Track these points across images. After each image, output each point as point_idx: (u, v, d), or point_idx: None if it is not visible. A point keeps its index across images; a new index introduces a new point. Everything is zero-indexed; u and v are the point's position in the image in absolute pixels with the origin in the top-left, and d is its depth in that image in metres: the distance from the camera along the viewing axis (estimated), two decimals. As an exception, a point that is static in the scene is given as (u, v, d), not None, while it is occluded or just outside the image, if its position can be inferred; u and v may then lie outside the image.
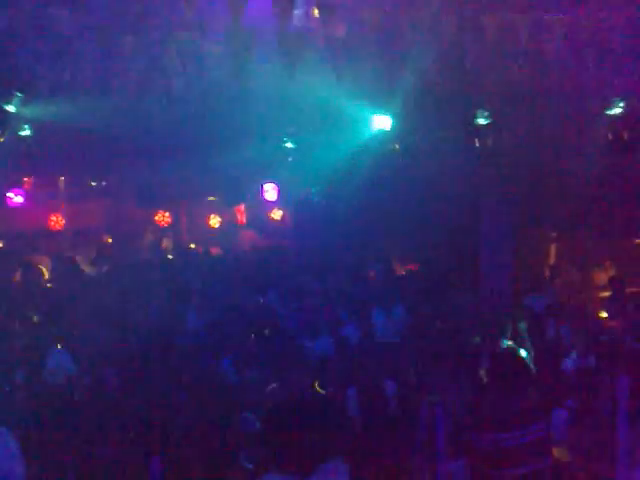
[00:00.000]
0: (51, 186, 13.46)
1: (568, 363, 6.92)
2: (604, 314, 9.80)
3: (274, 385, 6.03)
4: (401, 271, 11.85)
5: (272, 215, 15.18)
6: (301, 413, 3.19)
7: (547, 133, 10.01)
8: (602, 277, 11.50)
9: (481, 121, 9.67)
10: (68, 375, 6.83)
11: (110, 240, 14.37)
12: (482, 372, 6.15)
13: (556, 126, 9.94)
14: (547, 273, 11.83)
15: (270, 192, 14.39)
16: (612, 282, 10.48)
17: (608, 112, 10.14)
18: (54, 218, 13.99)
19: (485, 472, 3.69)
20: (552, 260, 12.45)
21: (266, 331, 7.92)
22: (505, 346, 6.77)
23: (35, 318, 8.55)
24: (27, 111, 9.73)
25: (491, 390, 3.77)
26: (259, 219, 15.45)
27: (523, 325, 6.98)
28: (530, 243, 11.59)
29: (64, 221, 13.97)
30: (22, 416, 5.36)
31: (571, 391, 5.57)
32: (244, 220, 15.86)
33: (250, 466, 4.68)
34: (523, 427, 3.64)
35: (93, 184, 13.84)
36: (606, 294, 10.68)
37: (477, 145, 9.90)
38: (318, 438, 3.09)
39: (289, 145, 12.50)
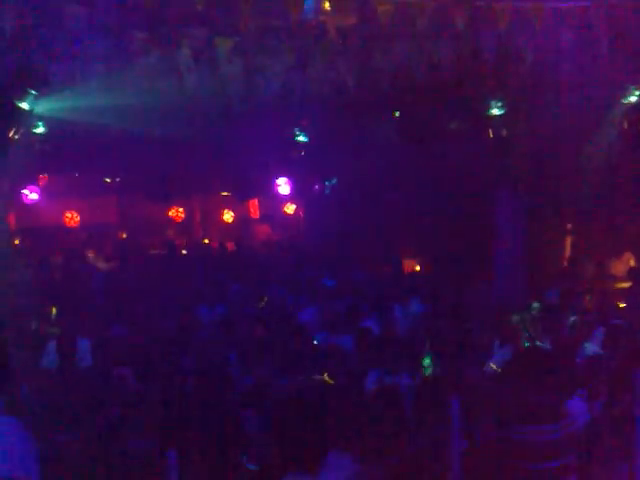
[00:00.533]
0: (66, 183, 13.54)
1: (584, 353, 6.86)
2: (622, 305, 9.70)
3: (282, 381, 6.02)
4: (415, 266, 11.81)
5: (285, 209, 15.18)
6: (306, 407, 3.14)
7: (562, 123, 9.91)
8: (620, 268, 11.39)
9: (495, 111, 9.58)
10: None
11: (125, 236, 14.46)
12: (494, 366, 6.12)
13: (571, 116, 9.84)
14: (563, 265, 11.74)
15: (283, 186, 14.39)
16: (632, 273, 10.37)
17: (623, 101, 10.04)
18: (69, 215, 14.09)
19: (513, 466, 3.66)
20: (568, 252, 12.35)
21: (274, 326, 7.93)
22: (530, 341, 6.73)
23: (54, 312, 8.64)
24: (40, 109, 9.77)
25: (520, 385, 3.74)
26: (273, 213, 15.47)
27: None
28: (545, 235, 11.49)
29: (79, 218, 14.07)
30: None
31: (585, 381, 5.51)
32: (257, 214, 15.88)
33: (253, 467, 4.66)
34: (554, 421, 3.62)
35: (107, 180, 13.90)
36: (625, 285, 10.59)
37: (491, 136, 9.83)
38: (323, 433, 3.06)
39: (301, 139, 12.47)
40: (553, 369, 3.76)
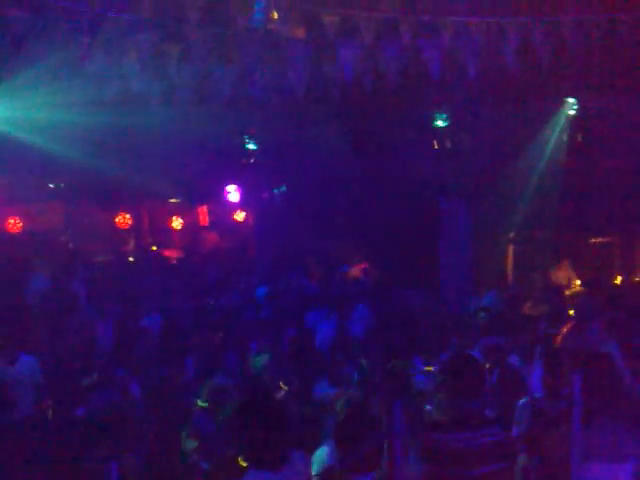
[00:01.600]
0: (8, 188, 13.21)
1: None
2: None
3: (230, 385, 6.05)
4: (362, 272, 11.94)
5: (235, 216, 15.14)
6: (265, 410, 3.27)
7: (504, 133, 10.19)
8: (561, 277, 11.72)
9: (440, 123, 9.80)
10: None
11: (70, 243, 14.17)
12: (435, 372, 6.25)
13: (513, 126, 10.12)
14: (507, 272, 12.04)
15: (233, 193, 14.36)
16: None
17: (565, 112, 10.38)
18: (12, 221, 13.74)
19: (439, 473, 3.73)
20: (510, 260, 12.67)
21: (220, 334, 7.96)
22: (458, 347, 6.88)
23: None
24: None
25: (443, 390, 3.82)
26: (222, 221, 15.40)
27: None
28: (489, 243, 11.77)
29: (22, 223, 13.73)
30: None
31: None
32: (207, 222, 15.79)
33: (206, 466, 4.69)
34: (474, 429, 3.69)
35: (51, 186, 13.62)
36: (566, 293, 10.91)
37: (436, 147, 10.04)
38: (282, 431, 3.18)
39: (251, 147, 12.49)
40: (475, 376, 3.84)
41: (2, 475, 5.67)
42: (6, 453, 5.94)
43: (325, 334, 8.40)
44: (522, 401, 5.16)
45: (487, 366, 6.80)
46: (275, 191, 13.93)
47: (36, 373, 6.73)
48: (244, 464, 3.23)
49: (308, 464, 3.41)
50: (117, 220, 14.66)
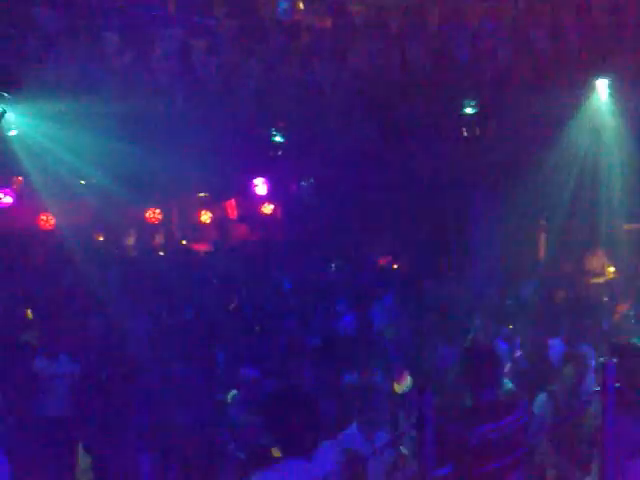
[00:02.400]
0: (40, 185, 13.41)
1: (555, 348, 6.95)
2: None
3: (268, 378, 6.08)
4: (391, 263, 11.91)
5: (263, 209, 15.17)
6: (297, 399, 3.33)
7: (535, 122, 10.04)
8: (594, 264, 11.56)
9: (468, 110, 9.68)
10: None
11: (102, 238, 14.35)
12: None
13: (544, 112, 9.97)
14: (539, 261, 11.89)
15: (260, 186, 14.38)
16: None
17: (596, 97, 10.17)
18: (44, 217, 13.94)
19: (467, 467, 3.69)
20: (542, 248, 12.51)
21: (257, 327, 7.98)
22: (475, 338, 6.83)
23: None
24: (13, 111, 9.70)
25: (462, 383, 3.80)
26: (250, 214, 15.45)
27: None
28: (520, 231, 11.63)
29: (54, 220, 13.92)
30: None
31: (555, 376, 5.60)
32: (235, 215, 15.85)
33: (243, 456, 4.72)
34: (494, 420, 3.65)
35: (82, 182, 13.78)
36: (599, 280, 10.75)
37: (464, 135, 9.93)
38: (314, 418, 3.24)
39: (278, 139, 12.48)
40: (491, 367, 3.81)
41: (37, 468, 5.78)
42: (42, 447, 6.05)
43: (351, 324, 8.39)
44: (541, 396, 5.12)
45: (517, 354, 6.75)
46: (303, 183, 13.92)
47: (74, 369, 6.86)
48: (278, 454, 3.28)
49: (339, 452, 3.44)
50: (147, 215, 14.79)
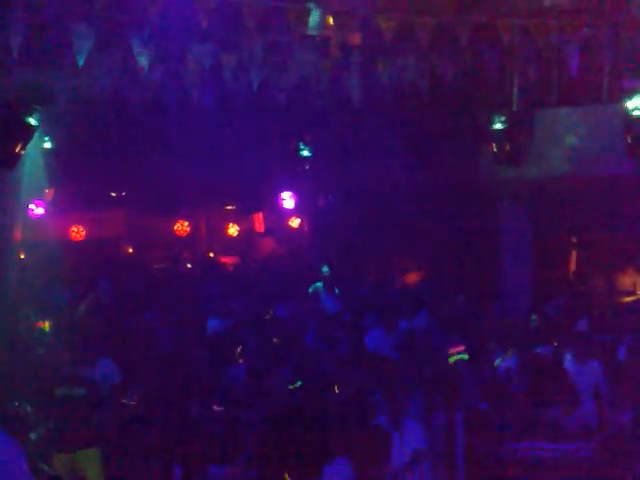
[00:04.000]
0: (72, 197, 13.61)
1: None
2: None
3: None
4: (419, 279, 11.83)
5: (290, 223, 15.21)
6: (308, 416, 3.29)
7: (566, 136, 9.94)
8: (626, 282, 11.38)
9: (498, 126, 9.63)
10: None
11: (131, 250, 14.51)
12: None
13: (574, 129, 9.88)
14: (570, 279, 11.72)
15: (288, 200, 14.42)
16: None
17: (632, 114, 10.04)
18: (75, 229, 14.14)
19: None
20: (573, 265, 12.34)
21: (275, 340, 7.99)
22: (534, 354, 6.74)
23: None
24: (48, 124, 9.86)
25: (521, 399, 3.73)
26: (277, 227, 15.50)
27: None
28: (551, 249, 11.50)
29: (84, 232, 14.11)
30: None
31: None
32: (262, 228, 15.90)
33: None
34: (554, 439, 3.58)
35: (113, 195, 13.97)
36: (631, 299, 10.57)
37: (494, 150, 9.86)
38: (324, 440, 3.20)
39: (306, 153, 12.52)
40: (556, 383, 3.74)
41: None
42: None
43: (378, 340, 8.33)
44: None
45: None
46: (330, 198, 13.92)
47: (114, 375, 6.90)
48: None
49: (352, 469, 3.38)
50: (175, 227, 14.92)
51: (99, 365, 6.93)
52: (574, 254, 12.26)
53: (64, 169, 11.01)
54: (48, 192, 13.07)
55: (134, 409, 6.51)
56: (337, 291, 10.74)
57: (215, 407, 6.31)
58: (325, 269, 10.89)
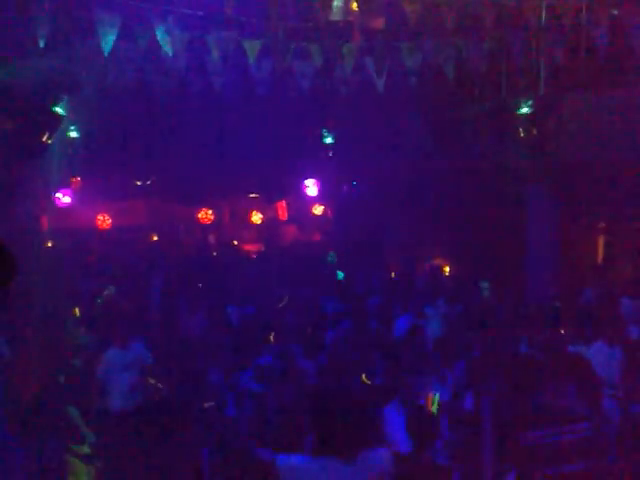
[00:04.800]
0: (98, 186, 13.75)
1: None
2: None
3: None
4: (445, 266, 11.75)
5: (313, 210, 15.21)
6: (346, 401, 3.29)
7: (593, 121, 9.78)
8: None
9: (525, 110, 9.49)
10: None
11: (156, 238, 14.62)
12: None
13: (602, 111, 9.70)
14: (596, 265, 11.57)
15: (311, 188, 14.41)
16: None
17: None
18: (101, 217, 14.29)
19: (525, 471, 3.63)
20: (601, 252, 12.17)
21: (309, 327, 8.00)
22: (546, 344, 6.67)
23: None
24: (74, 113, 9.94)
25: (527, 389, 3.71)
26: (301, 215, 15.50)
27: None
28: (577, 235, 11.35)
29: (110, 220, 14.25)
30: None
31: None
32: (286, 216, 15.92)
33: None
34: (557, 425, 3.56)
35: (138, 183, 14.07)
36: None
37: (522, 135, 9.73)
38: (359, 426, 3.19)
39: (329, 140, 12.49)
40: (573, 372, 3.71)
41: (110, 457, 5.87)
42: (115, 436, 6.15)
43: (403, 328, 8.30)
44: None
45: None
46: (354, 184, 13.89)
47: (145, 358, 7.11)
48: None
49: (386, 462, 3.35)
50: (199, 215, 15.00)
51: (131, 348, 7.04)
52: (601, 240, 12.09)
53: (90, 158, 11.11)
54: (75, 181, 13.22)
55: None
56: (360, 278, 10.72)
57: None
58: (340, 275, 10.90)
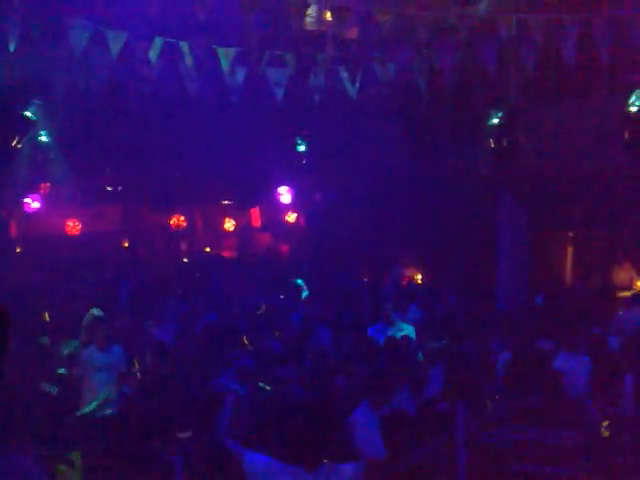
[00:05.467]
0: (67, 191, 13.60)
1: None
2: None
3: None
4: (415, 273, 11.84)
5: (287, 218, 15.21)
6: (320, 411, 3.30)
7: (563, 132, 9.95)
8: (622, 277, 11.39)
9: (495, 121, 9.62)
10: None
11: (127, 244, 14.49)
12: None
13: (573, 123, 9.88)
14: (566, 274, 11.75)
15: (285, 195, 14.42)
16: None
17: (626, 109, 10.05)
18: (70, 223, 14.11)
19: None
20: (570, 260, 12.36)
21: (277, 332, 7.99)
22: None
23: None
24: (44, 117, 9.83)
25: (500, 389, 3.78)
26: (274, 222, 15.49)
27: None
28: (547, 243, 11.51)
29: (80, 226, 14.09)
30: None
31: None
32: (259, 223, 15.90)
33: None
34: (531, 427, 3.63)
35: (109, 189, 13.94)
36: (626, 294, 10.59)
37: (492, 145, 9.87)
38: (325, 437, 3.21)
39: (302, 148, 12.51)
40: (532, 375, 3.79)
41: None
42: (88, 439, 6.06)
43: (374, 336, 8.33)
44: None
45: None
46: (327, 192, 13.92)
47: (121, 362, 7.03)
48: None
49: (354, 477, 3.36)
50: (172, 222, 14.90)
51: (111, 350, 7.00)
52: (570, 249, 12.28)
53: (60, 163, 10.98)
54: (44, 186, 13.05)
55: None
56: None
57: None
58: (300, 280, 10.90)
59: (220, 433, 5.18)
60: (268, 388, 6.03)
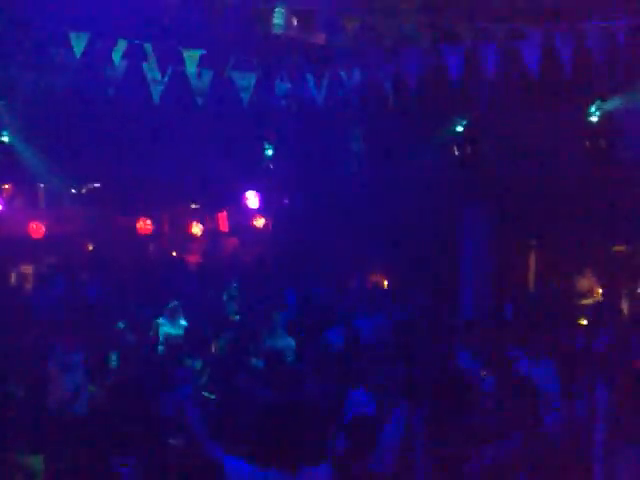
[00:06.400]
0: (31, 193, 13.39)
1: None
2: (584, 321, 9.86)
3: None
4: (381, 279, 11.89)
5: (255, 223, 15.16)
6: (295, 414, 3.32)
7: (526, 141, 10.08)
8: (584, 284, 11.57)
9: (459, 128, 9.72)
10: None
11: (91, 247, 14.30)
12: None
13: (536, 132, 10.02)
14: (529, 280, 11.90)
15: (252, 199, 14.38)
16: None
17: (587, 119, 10.24)
18: (34, 225, 13.88)
19: None
20: (533, 267, 12.52)
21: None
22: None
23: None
24: (6, 117, 9.70)
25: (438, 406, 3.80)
26: (242, 227, 15.44)
27: None
28: (511, 250, 11.64)
29: (44, 228, 13.87)
30: None
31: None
32: (227, 228, 15.82)
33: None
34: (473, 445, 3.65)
35: (73, 191, 13.77)
36: (587, 301, 10.76)
37: (456, 153, 9.96)
38: (301, 441, 3.23)
39: (270, 152, 12.52)
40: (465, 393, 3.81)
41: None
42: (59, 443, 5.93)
43: (338, 340, 8.34)
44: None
45: (483, 374, 6.72)
46: (294, 197, 13.93)
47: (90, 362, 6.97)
48: None
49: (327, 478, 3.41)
50: (138, 225, 14.75)
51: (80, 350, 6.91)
52: (533, 256, 12.44)
53: (22, 164, 10.83)
54: (6, 188, 12.85)
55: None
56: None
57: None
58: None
59: (198, 439, 5.10)
60: (213, 397, 5.98)
